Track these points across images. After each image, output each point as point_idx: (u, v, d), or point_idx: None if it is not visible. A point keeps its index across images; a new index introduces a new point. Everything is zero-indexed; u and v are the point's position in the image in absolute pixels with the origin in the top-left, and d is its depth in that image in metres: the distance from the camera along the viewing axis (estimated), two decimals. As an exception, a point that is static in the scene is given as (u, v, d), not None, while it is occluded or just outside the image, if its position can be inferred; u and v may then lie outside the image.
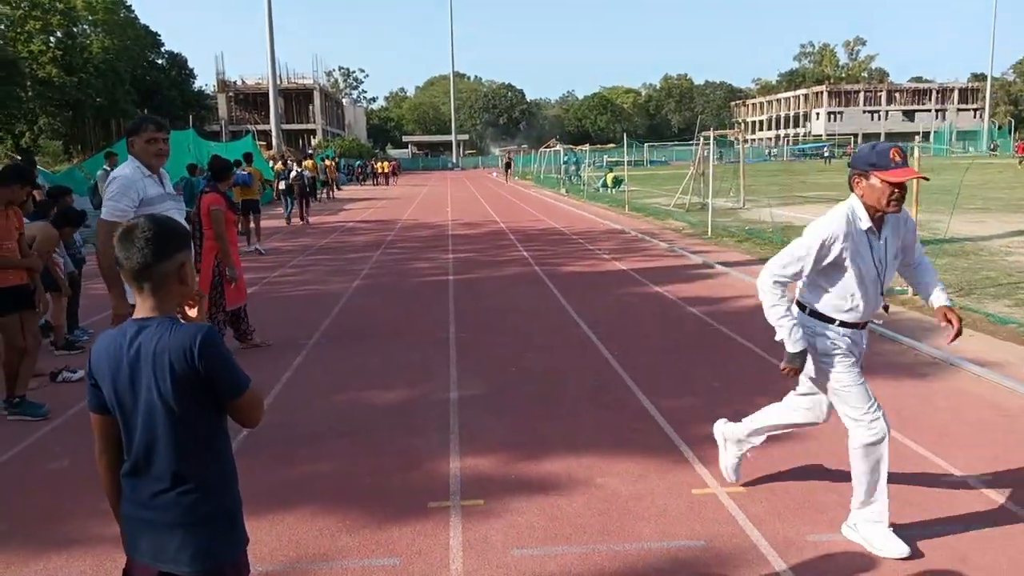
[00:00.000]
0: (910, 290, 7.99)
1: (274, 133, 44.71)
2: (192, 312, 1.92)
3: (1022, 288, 8.12)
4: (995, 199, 19.42)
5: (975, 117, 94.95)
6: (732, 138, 40.52)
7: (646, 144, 70.97)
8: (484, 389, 5.35)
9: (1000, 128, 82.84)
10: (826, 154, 62.19)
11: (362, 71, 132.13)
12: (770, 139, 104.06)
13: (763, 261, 11.18)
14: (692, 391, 5.23)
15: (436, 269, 11.07)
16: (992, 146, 69.82)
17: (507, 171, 49.52)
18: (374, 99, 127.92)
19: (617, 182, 28.58)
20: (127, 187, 4.09)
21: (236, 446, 3.22)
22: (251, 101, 71.44)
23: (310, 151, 51.66)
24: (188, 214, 6.09)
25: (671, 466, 3.98)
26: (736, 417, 4.61)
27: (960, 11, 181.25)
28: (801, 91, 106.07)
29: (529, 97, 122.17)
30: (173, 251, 1.83)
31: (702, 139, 21.70)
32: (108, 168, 13.07)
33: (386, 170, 49.34)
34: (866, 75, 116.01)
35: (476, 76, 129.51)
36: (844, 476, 3.70)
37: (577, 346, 6.48)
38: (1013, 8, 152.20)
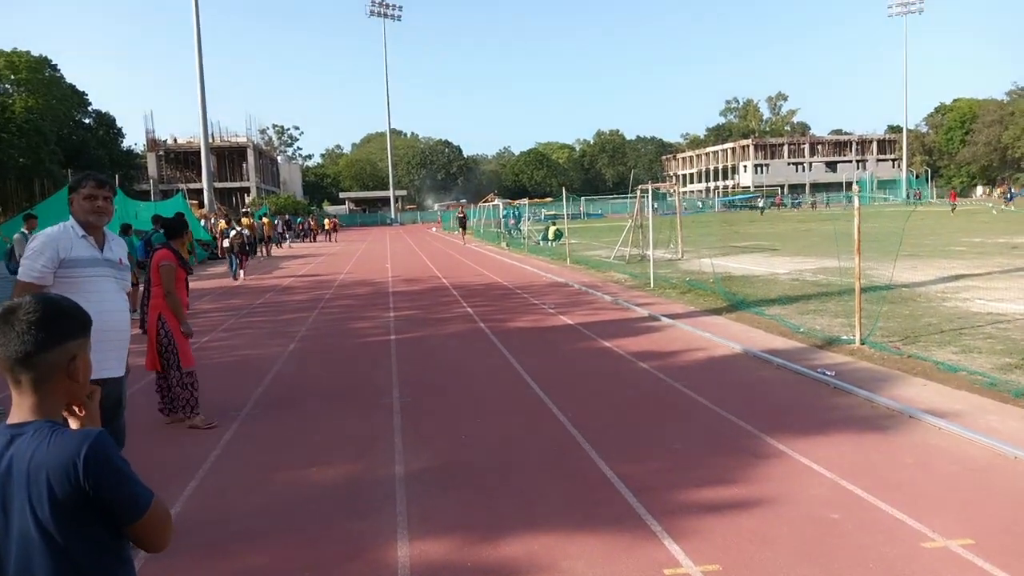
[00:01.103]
0: (857, 339, 7.99)
1: (206, 191, 43.71)
2: (76, 422, 1.56)
3: (965, 334, 8.21)
4: (923, 245, 20.12)
5: (893, 167, 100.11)
6: (667, 191, 41.41)
7: (583, 197, 72.17)
8: (433, 461, 4.98)
9: (918, 176, 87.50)
10: (760, 204, 64.40)
11: (297, 128, 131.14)
12: (700, 191, 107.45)
13: (707, 312, 11.30)
14: (653, 454, 4.96)
15: (377, 329, 10.66)
16: (915, 194, 73.51)
17: (463, 229, 39.08)
18: (310, 156, 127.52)
19: (558, 235, 28.71)
20: (47, 245, 3.67)
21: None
22: (182, 160, 70.16)
23: (245, 209, 50.80)
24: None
25: (639, 543, 3.67)
26: (700, 483, 4.37)
27: (874, 67, 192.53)
28: (728, 145, 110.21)
29: (466, 153, 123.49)
30: (62, 338, 1.50)
31: (639, 192, 22.03)
32: (26, 231, 12.33)
33: (328, 227, 50.20)
34: (789, 129, 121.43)
35: (413, 132, 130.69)
36: (827, 551, 3.47)
37: (529, 409, 6.17)
38: (923, 64, 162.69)
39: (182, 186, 51.97)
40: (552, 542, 3.69)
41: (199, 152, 50.48)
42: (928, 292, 11.48)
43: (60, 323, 1.50)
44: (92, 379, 3.49)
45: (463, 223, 39.25)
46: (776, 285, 13.50)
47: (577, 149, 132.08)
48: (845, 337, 8.32)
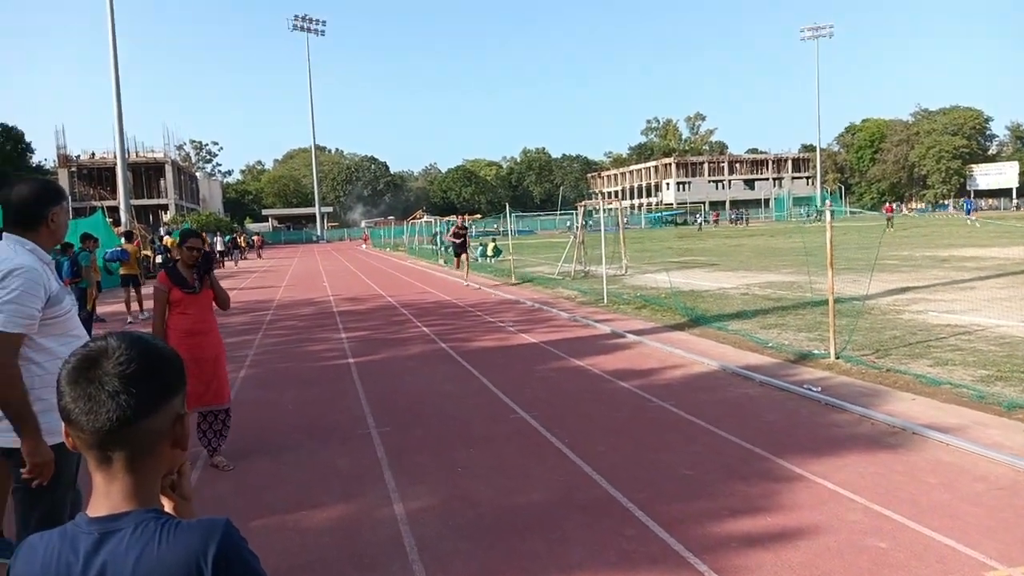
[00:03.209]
0: (832, 353, 7.96)
1: (123, 209, 41.63)
2: (170, 503, 1.15)
3: (933, 347, 8.30)
4: (855, 259, 20.73)
5: (808, 184, 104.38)
6: (608, 207, 41.82)
7: (513, 214, 72.27)
8: (433, 498, 4.56)
9: (832, 193, 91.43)
10: (699, 220, 65.65)
11: (216, 144, 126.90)
12: (625, 208, 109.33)
13: (669, 328, 11.20)
14: (667, 482, 4.67)
15: (332, 352, 10.08)
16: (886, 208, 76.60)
17: (462, 253, 20.67)
18: (229, 172, 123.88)
19: (497, 251, 28.46)
20: (35, 283, 2.76)
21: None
22: (96, 176, 66.92)
23: (163, 228, 48.65)
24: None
25: (690, 585, 3.36)
26: (730, 514, 4.11)
27: (787, 88, 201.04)
28: (652, 163, 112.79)
29: (393, 169, 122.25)
30: (167, 393, 1.10)
31: (581, 209, 22.02)
32: None
33: (256, 244, 50.11)
34: (707, 147, 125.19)
35: (338, 148, 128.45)
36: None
37: (521, 436, 5.80)
38: (834, 85, 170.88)
39: (98, 203, 49.37)
40: (594, 588, 3.35)
41: (114, 168, 48.21)
42: (880, 305, 11.70)
43: (163, 373, 1.10)
44: None
45: (462, 246, 20.58)
46: (728, 300, 13.55)
47: (504, 166, 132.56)
48: (818, 351, 8.29)
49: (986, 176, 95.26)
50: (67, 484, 2.83)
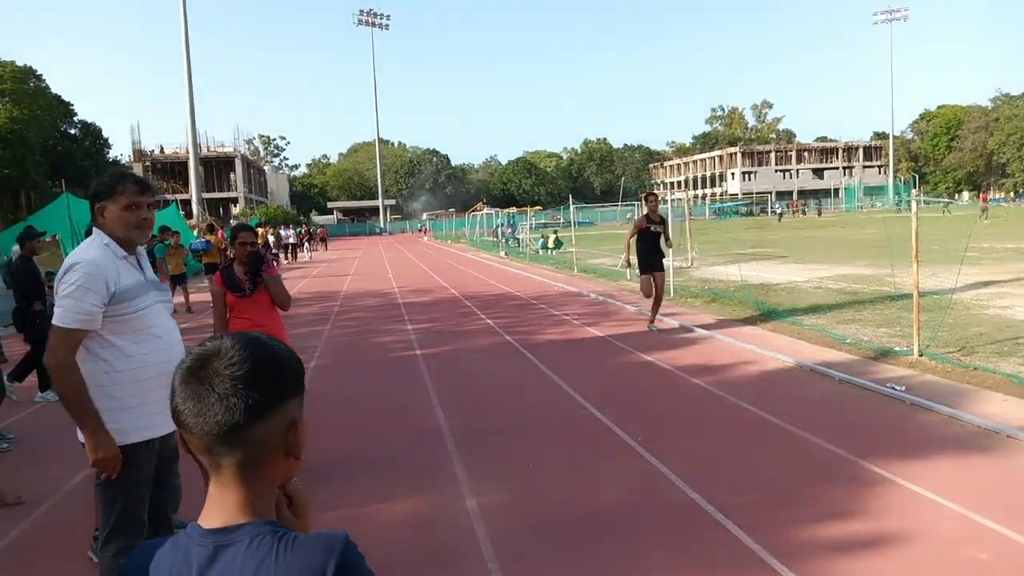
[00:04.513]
0: (916, 350, 7.62)
1: (195, 201, 43.08)
2: (283, 516, 1.13)
3: (1022, 344, 7.86)
4: (930, 251, 19.84)
5: (880, 173, 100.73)
6: (675, 197, 41.09)
7: (573, 206, 71.90)
8: (505, 495, 4.52)
9: (904, 183, 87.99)
10: (778, 211, 63.92)
11: (283, 138, 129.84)
12: (689, 198, 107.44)
13: (741, 323, 10.91)
14: (748, 483, 4.53)
15: (399, 343, 10.18)
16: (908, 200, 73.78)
17: (653, 271, 10.15)
18: (296, 166, 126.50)
19: (558, 243, 28.35)
20: (94, 278, 2.70)
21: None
22: (169, 170, 69.36)
23: (207, 221, 49.99)
24: None
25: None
26: (816, 518, 3.95)
27: (858, 74, 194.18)
28: (716, 152, 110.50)
29: (454, 162, 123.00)
30: (281, 397, 1.07)
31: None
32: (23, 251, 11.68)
33: (320, 236, 50.45)
34: (774, 136, 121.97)
35: (400, 142, 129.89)
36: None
37: (592, 432, 5.72)
38: (908, 70, 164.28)
39: (171, 196, 51.20)
40: (676, 593, 3.25)
41: (186, 162, 49.82)
42: (963, 300, 11.16)
43: (278, 376, 1.07)
44: (160, 434, 2.94)
45: (653, 256, 10.15)
46: (800, 294, 13.14)
47: (565, 157, 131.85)
48: (899, 348, 7.94)
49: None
50: (142, 483, 2.82)
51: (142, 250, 3.04)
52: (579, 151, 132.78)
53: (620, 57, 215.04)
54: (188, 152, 47.85)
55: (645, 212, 10.29)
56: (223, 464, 1.04)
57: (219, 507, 1.04)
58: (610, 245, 30.38)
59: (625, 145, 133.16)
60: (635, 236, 10.28)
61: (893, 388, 6.48)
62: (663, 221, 10.42)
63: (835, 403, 6.26)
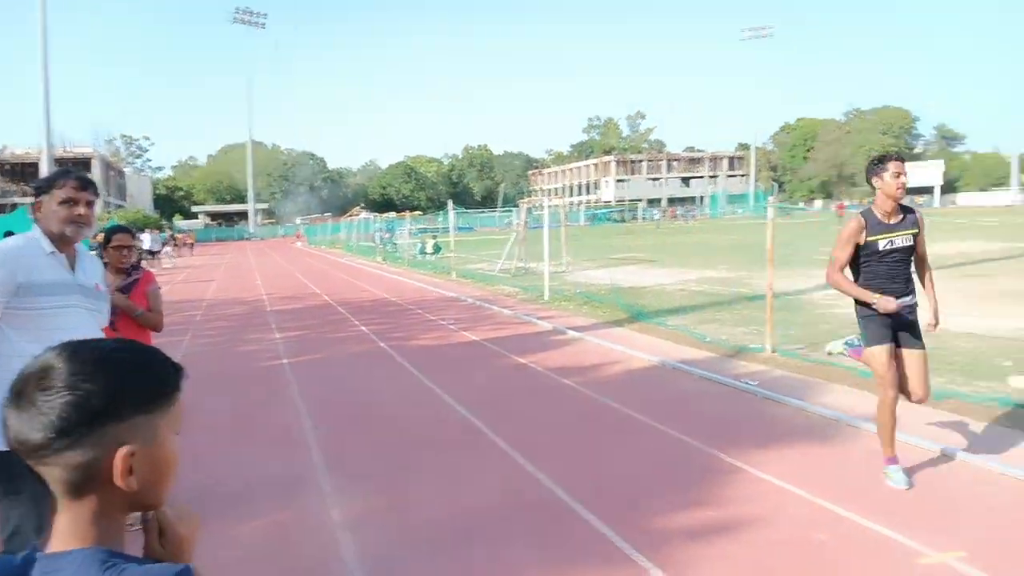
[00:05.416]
0: (768, 347, 8.10)
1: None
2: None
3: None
4: (784, 255, 21.22)
5: (742, 182, 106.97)
6: (552, 204, 41.76)
7: (452, 211, 71.92)
8: (374, 503, 4.41)
9: (765, 192, 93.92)
10: (656, 217, 66.40)
11: (147, 139, 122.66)
12: (566, 205, 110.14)
13: (610, 324, 11.24)
14: (609, 478, 4.63)
15: (265, 353, 9.77)
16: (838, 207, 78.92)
17: None
18: (160, 168, 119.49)
19: (437, 248, 28.27)
20: (1, 263, 2.69)
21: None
22: (19, 172, 63.93)
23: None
24: None
25: (634, 584, 3.32)
26: (667, 507, 4.08)
27: (726, 87, 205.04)
28: (592, 161, 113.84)
29: (331, 165, 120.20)
30: (94, 421, 0.92)
31: (524, 207, 22.00)
32: None
33: (188, 241, 49.18)
34: (646, 146, 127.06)
35: (275, 144, 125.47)
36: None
37: (464, 436, 5.69)
38: (771, 84, 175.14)
39: (20, 200, 47.14)
40: (539, 592, 3.27)
41: (38, 164, 46.07)
42: (812, 299, 11.99)
43: (92, 395, 0.91)
44: None
45: None
46: (667, 296, 13.71)
47: (446, 163, 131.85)
48: (754, 346, 8.42)
49: (911, 174, 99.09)
50: (30, 497, 2.56)
51: (86, 252, 3.03)
52: (460, 157, 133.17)
53: (502, 64, 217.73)
54: (40, 153, 44.21)
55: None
56: (49, 484, 0.92)
57: (55, 531, 0.92)
58: (488, 250, 30.58)
59: (506, 152, 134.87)
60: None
61: (747, 383, 6.85)
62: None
63: (694, 399, 6.54)
